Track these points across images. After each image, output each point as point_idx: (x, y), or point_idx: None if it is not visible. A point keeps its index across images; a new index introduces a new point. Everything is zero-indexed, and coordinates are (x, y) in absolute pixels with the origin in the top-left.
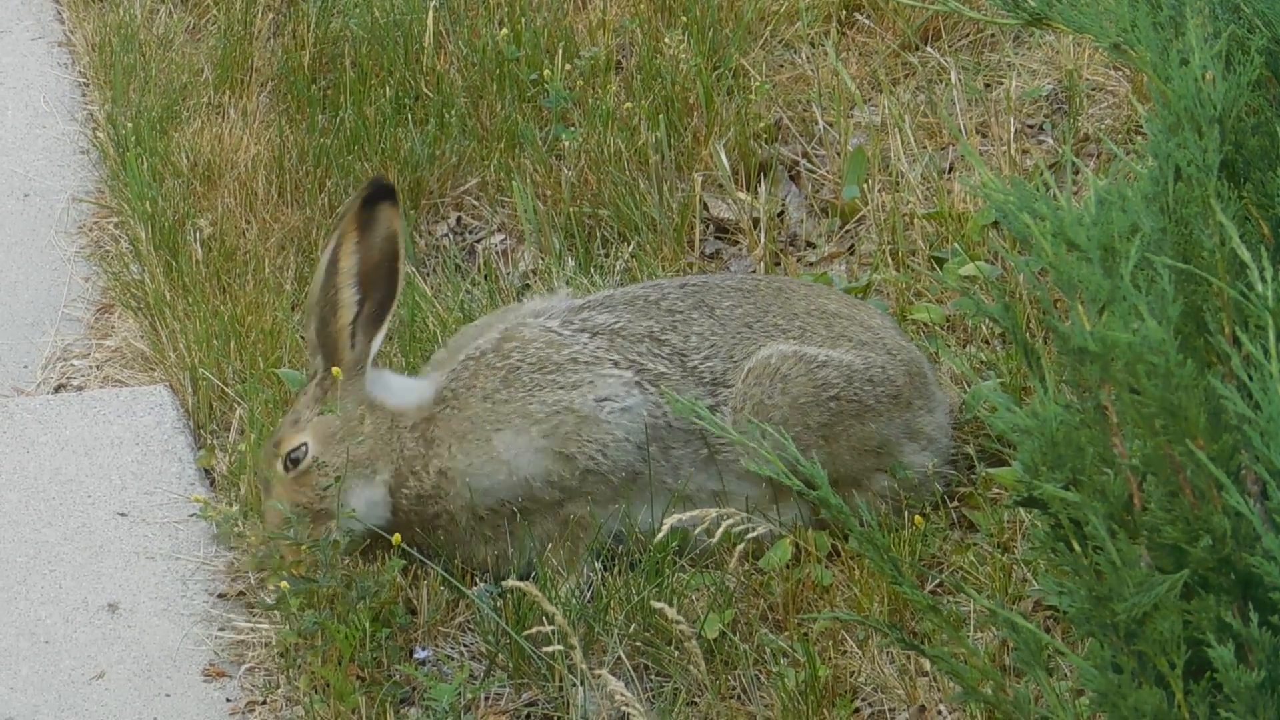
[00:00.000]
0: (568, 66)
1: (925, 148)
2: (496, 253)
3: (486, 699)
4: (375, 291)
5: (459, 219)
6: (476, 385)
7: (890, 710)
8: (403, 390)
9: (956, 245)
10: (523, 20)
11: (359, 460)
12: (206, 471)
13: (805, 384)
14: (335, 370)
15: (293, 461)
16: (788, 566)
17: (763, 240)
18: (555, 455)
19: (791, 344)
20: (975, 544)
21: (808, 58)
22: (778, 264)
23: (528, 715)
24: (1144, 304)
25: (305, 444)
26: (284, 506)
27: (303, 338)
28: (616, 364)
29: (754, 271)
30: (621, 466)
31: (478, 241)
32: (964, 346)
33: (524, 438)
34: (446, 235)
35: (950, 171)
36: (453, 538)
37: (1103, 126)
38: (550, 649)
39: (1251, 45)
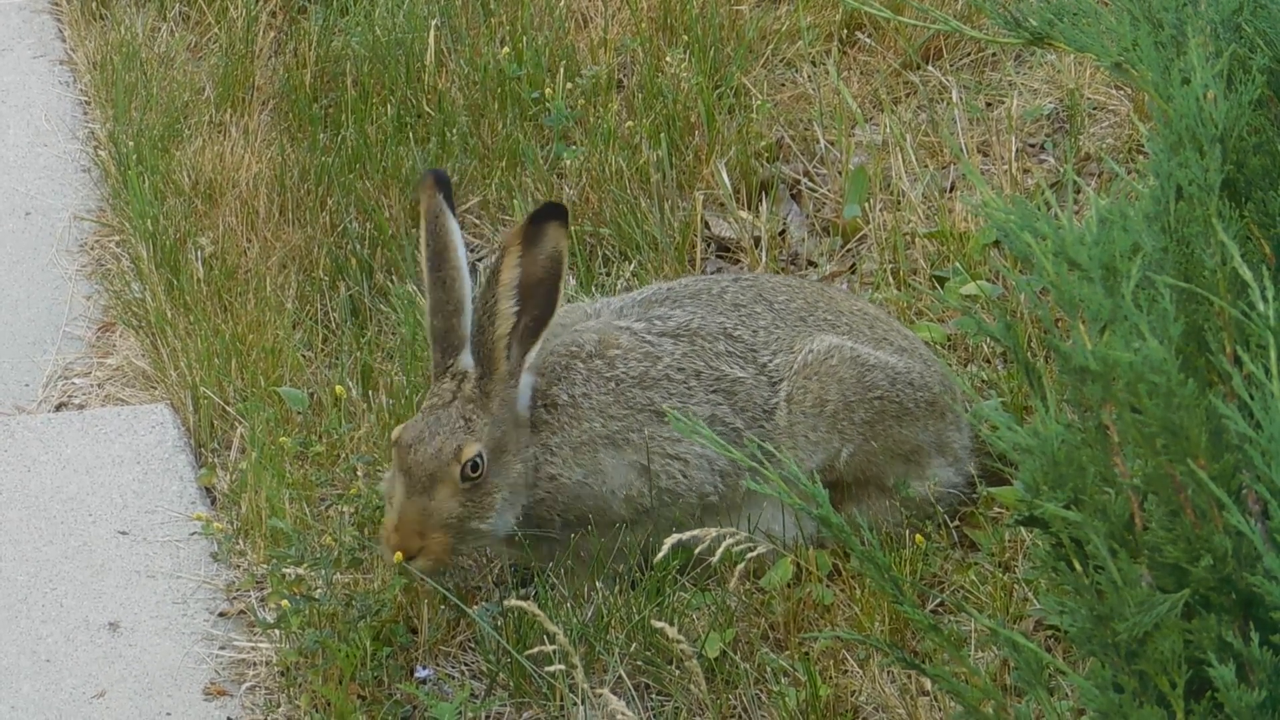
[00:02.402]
0: (569, 85)
1: (927, 166)
2: None
3: (488, 718)
4: (533, 306)
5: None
6: (592, 396)
7: None
8: (525, 391)
9: (958, 264)
10: (524, 39)
11: (515, 484)
12: (207, 490)
13: (854, 382)
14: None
15: (472, 468)
16: (789, 585)
17: (764, 259)
18: (640, 470)
19: (842, 337)
20: (976, 563)
21: (809, 76)
22: None
23: None
24: (1145, 323)
25: (482, 454)
26: (449, 510)
27: (432, 335)
28: (700, 375)
29: None
30: (695, 488)
31: (479, 260)
32: (965, 365)
33: (620, 453)
34: None
35: (951, 190)
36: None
37: (1104, 145)
38: (551, 668)
39: (1253, 64)
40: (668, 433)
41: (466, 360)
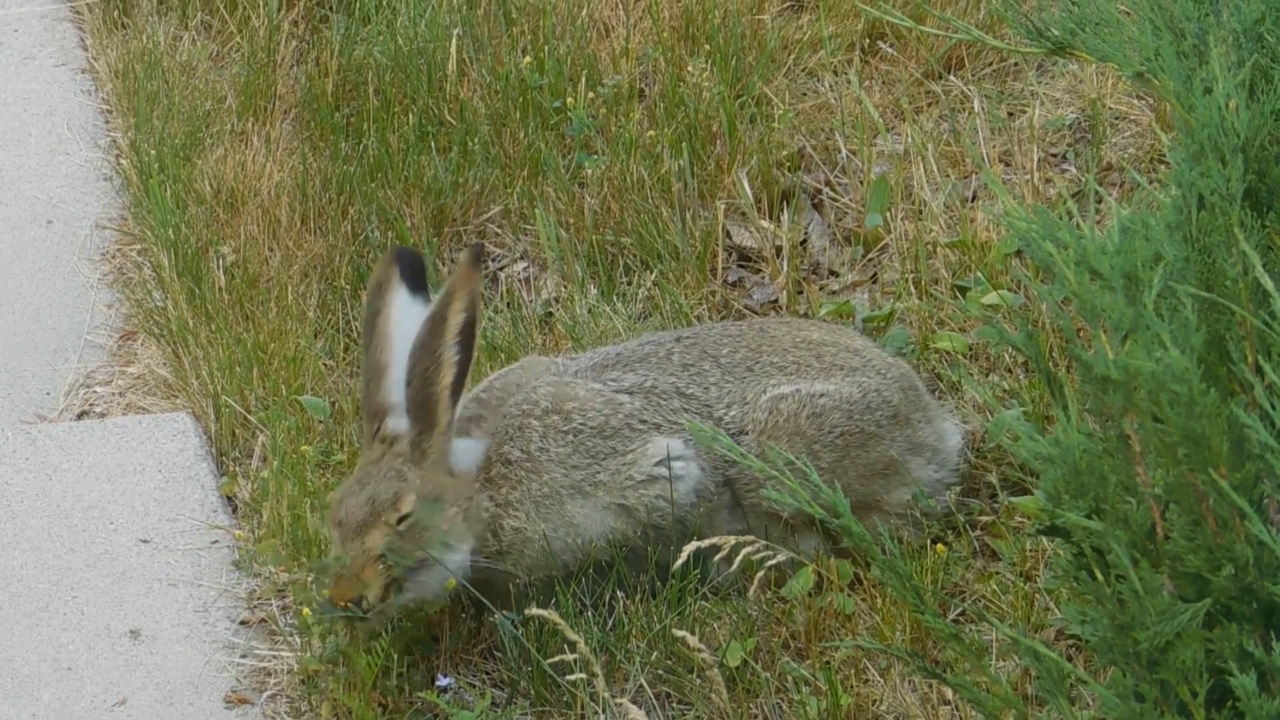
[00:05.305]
0: (591, 94)
1: (948, 176)
2: (519, 281)
3: None
4: (467, 351)
5: (481, 247)
6: (549, 449)
7: None
8: (464, 452)
9: (979, 274)
10: (546, 48)
11: (454, 528)
12: (229, 498)
13: (814, 430)
14: None
15: (403, 519)
16: (810, 595)
17: (785, 268)
18: (618, 510)
19: (793, 382)
20: (998, 572)
21: (831, 86)
22: (800, 292)
23: None
24: (1167, 333)
25: (414, 501)
26: (380, 546)
27: (364, 402)
28: (660, 428)
29: (775, 300)
30: (680, 515)
31: (500, 270)
32: (987, 375)
33: (592, 501)
34: None
35: (973, 200)
36: (507, 594)
37: (1126, 155)
38: (572, 677)
39: (1275, 74)
40: (632, 463)
41: (394, 425)
